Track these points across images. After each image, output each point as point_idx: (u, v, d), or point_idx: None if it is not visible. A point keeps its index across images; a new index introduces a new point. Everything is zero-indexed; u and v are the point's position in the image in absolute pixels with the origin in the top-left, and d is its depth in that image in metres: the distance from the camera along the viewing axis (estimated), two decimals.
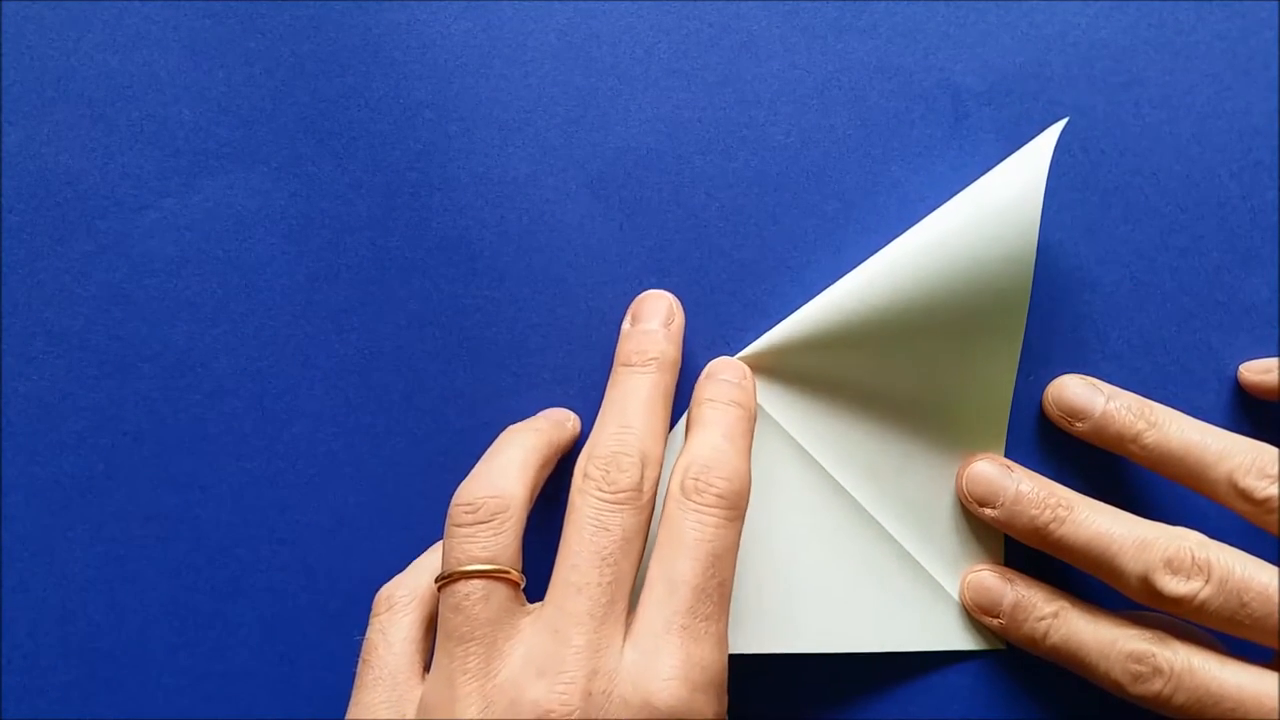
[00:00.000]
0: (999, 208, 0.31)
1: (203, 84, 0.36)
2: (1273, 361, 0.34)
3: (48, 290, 0.36)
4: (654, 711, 0.26)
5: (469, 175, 0.36)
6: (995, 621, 0.34)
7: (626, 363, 0.33)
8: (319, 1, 0.36)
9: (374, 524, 0.36)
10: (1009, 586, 0.34)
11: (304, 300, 0.36)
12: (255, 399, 0.36)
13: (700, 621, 0.27)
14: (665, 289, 0.35)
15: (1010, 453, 0.35)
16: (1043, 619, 0.33)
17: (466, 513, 0.29)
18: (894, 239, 0.33)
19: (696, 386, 0.33)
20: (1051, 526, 0.32)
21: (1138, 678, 0.30)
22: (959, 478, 0.35)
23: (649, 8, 0.36)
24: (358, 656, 0.31)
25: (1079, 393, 0.34)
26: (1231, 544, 0.30)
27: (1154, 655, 0.30)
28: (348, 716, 0.30)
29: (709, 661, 0.27)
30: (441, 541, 0.30)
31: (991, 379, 0.33)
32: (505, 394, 0.36)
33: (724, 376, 0.33)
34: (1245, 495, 0.30)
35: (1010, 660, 0.35)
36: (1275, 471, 0.30)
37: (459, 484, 0.30)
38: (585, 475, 0.29)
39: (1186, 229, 0.35)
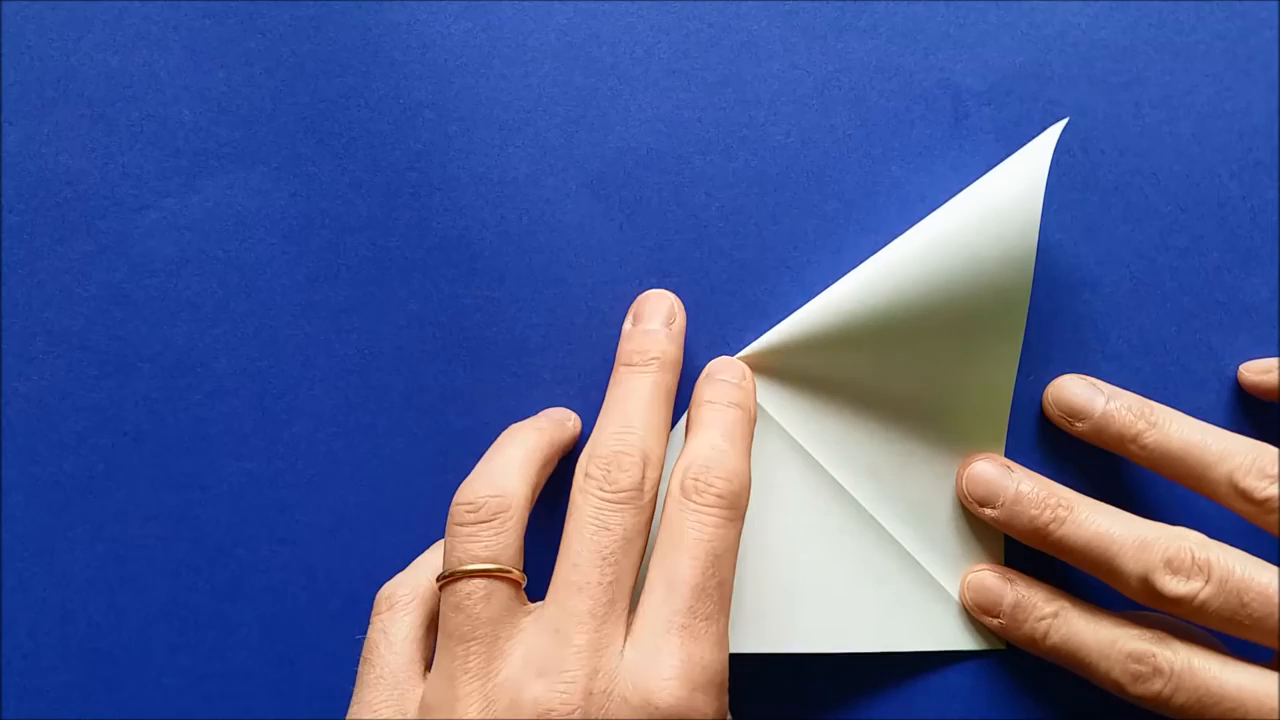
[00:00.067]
0: (999, 208, 0.31)
1: (203, 84, 0.36)
2: (1273, 361, 0.34)
3: (48, 290, 0.36)
4: (654, 711, 0.26)
5: (469, 175, 0.36)
6: (995, 621, 0.34)
7: (628, 363, 0.33)
8: (319, 1, 0.36)
9: (374, 524, 0.36)
10: (1009, 586, 0.34)
11: (304, 300, 0.36)
12: (255, 399, 0.36)
13: (700, 621, 0.28)
14: (666, 289, 0.35)
15: (1010, 453, 0.35)
16: (1043, 619, 0.33)
17: (468, 512, 0.29)
18: (894, 239, 0.33)
19: (696, 387, 0.33)
20: (1051, 526, 0.32)
21: (1138, 678, 0.30)
22: (959, 478, 0.35)
23: (649, 8, 0.36)
24: (359, 656, 0.31)
25: (1079, 393, 0.34)
26: (1231, 544, 0.30)
27: (1154, 655, 0.30)
28: (349, 715, 0.30)
29: (709, 661, 0.27)
30: (443, 540, 0.30)
31: (991, 379, 0.33)
32: (505, 394, 0.36)
33: (724, 377, 0.33)
34: (1245, 495, 0.30)
35: (1010, 660, 0.35)
36: (1275, 471, 0.30)
37: (459, 484, 0.30)
38: (586, 475, 0.29)
39: (1186, 229, 0.35)
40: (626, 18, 0.36)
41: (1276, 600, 0.29)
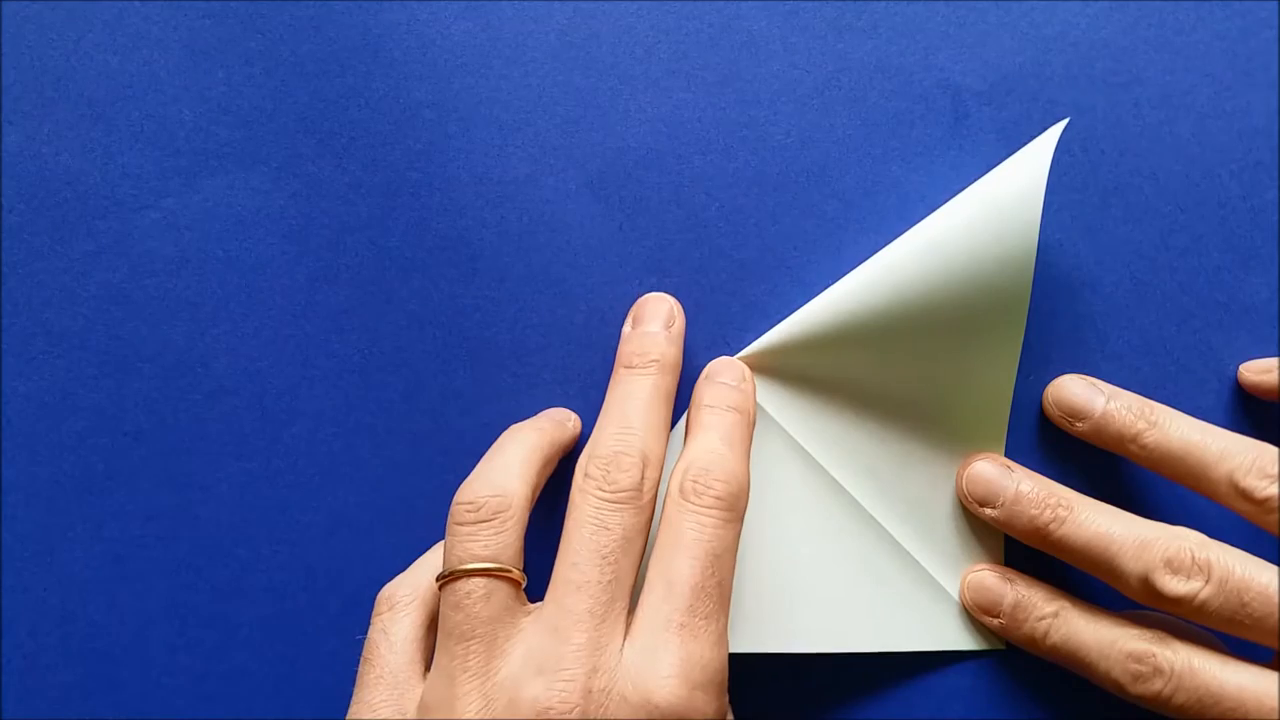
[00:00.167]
0: (999, 208, 0.31)
1: (203, 84, 0.36)
2: (1273, 361, 0.34)
3: (48, 290, 0.36)
4: (654, 709, 0.26)
5: (469, 175, 0.36)
6: (995, 621, 0.34)
7: (628, 364, 0.33)
8: (319, 1, 0.36)
9: (374, 524, 0.36)
10: (1009, 586, 0.34)
11: (304, 300, 0.36)
12: (255, 399, 0.36)
13: (699, 620, 0.28)
14: (665, 289, 0.35)
15: (1010, 453, 0.35)
16: (1043, 619, 0.33)
17: (468, 511, 0.29)
18: (894, 239, 0.33)
19: (696, 388, 0.33)
20: (1051, 526, 0.32)
21: (1138, 677, 0.30)
22: (959, 478, 0.35)
23: (649, 8, 0.36)
24: (359, 656, 0.31)
25: (1079, 393, 0.34)
26: (1231, 544, 0.30)
27: (1154, 655, 0.30)
28: (349, 715, 0.30)
29: (708, 660, 0.27)
30: (443, 540, 0.30)
31: (991, 379, 0.33)
32: (505, 394, 0.36)
33: (723, 379, 0.33)
34: (1246, 495, 0.30)
35: (1010, 660, 0.35)
36: (1275, 471, 0.30)
37: (459, 484, 0.30)
38: (586, 475, 0.30)
39: (1186, 229, 0.35)
40: (626, 18, 0.36)
41: (1276, 600, 0.29)
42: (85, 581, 0.36)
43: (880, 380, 0.34)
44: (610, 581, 0.28)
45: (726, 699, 0.29)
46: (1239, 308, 0.35)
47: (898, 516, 0.35)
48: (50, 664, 0.36)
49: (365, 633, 0.32)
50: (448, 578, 0.29)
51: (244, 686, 0.36)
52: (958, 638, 0.35)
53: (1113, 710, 0.33)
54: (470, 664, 0.28)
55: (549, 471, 0.33)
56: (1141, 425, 0.32)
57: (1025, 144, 0.33)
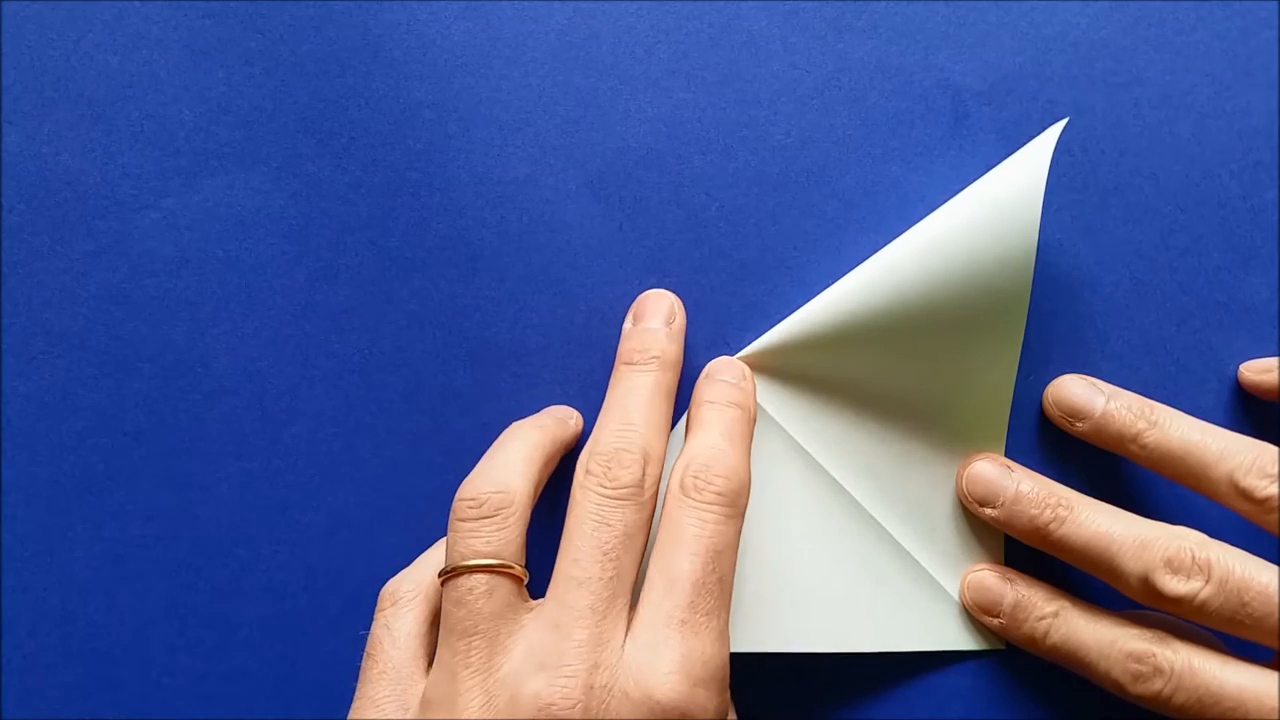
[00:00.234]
0: (999, 208, 0.31)
1: (203, 84, 0.36)
2: (1273, 361, 0.34)
3: (48, 290, 0.36)
4: (655, 705, 0.26)
5: (469, 175, 0.36)
6: (995, 621, 0.34)
7: (628, 361, 0.33)
8: (319, 1, 0.36)
9: (374, 524, 0.36)
10: (1009, 586, 0.34)
11: (304, 300, 0.36)
12: (255, 399, 0.36)
13: (700, 616, 0.28)
14: (665, 289, 0.35)
15: (1010, 453, 0.35)
16: (1043, 619, 0.33)
17: (470, 508, 0.29)
18: (894, 239, 0.33)
19: (696, 387, 0.33)
20: (1051, 526, 0.32)
21: (1138, 677, 0.30)
22: (959, 478, 0.35)
23: (649, 8, 0.36)
24: (361, 654, 0.31)
25: (1079, 393, 0.34)
26: (1231, 544, 0.30)
27: (1154, 655, 0.30)
28: (352, 711, 0.30)
29: (709, 656, 0.27)
30: (446, 536, 0.30)
31: (991, 379, 0.33)
32: (505, 394, 0.36)
33: (723, 377, 0.33)
34: (1246, 494, 0.30)
35: (1010, 660, 0.35)
36: (1276, 471, 0.30)
37: (459, 483, 0.30)
38: (587, 471, 0.30)
39: (1186, 229, 0.35)
40: (626, 18, 0.36)
41: (1277, 600, 0.29)
42: (85, 581, 0.36)
43: (880, 380, 0.34)
44: (611, 578, 0.28)
45: (728, 695, 0.29)
46: (1239, 308, 0.35)
47: (898, 516, 0.35)
48: (50, 664, 0.36)
49: (366, 629, 0.32)
50: (450, 574, 0.29)
51: (244, 686, 0.36)
52: (958, 638, 0.35)
53: (1113, 710, 0.33)
54: (472, 660, 0.28)
55: (551, 468, 0.33)
56: (1141, 425, 0.32)
57: (1025, 144, 0.33)
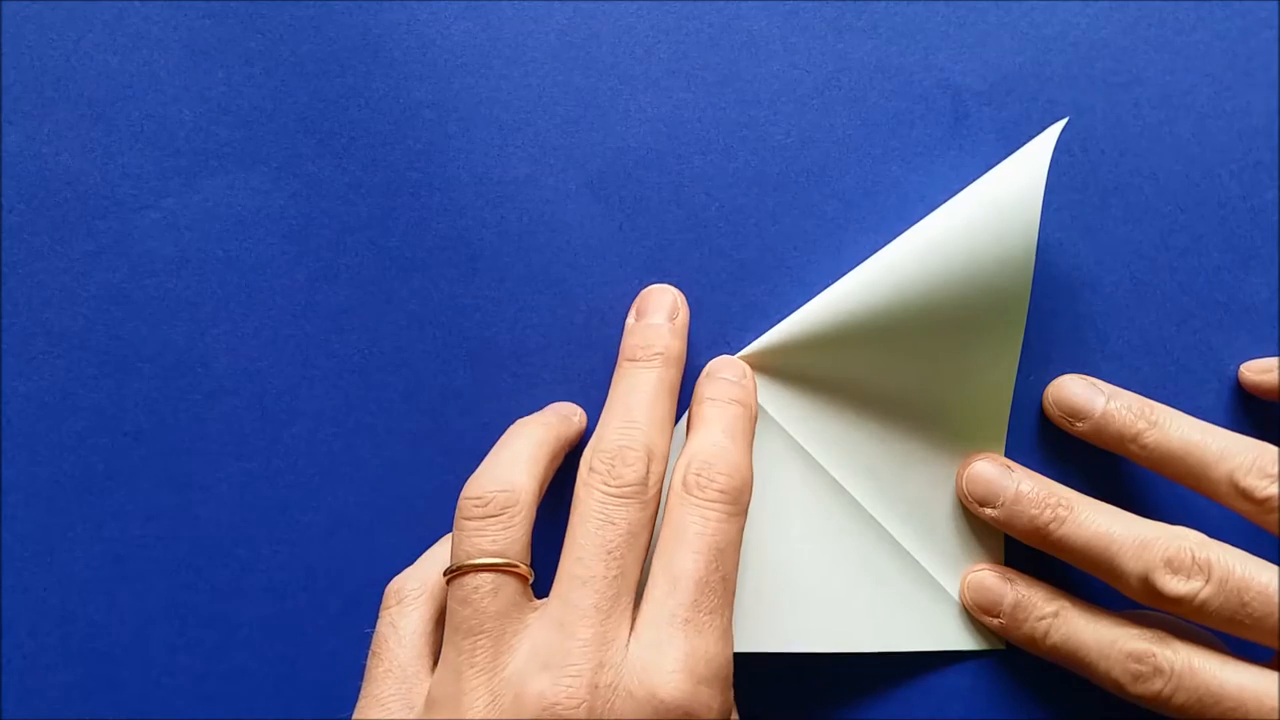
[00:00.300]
0: (999, 208, 0.31)
1: (203, 84, 0.36)
2: (1273, 361, 0.34)
3: (48, 290, 0.36)
4: (659, 704, 0.26)
5: (469, 175, 0.36)
6: (995, 621, 0.34)
7: (631, 358, 0.33)
8: (319, 1, 0.36)
9: (374, 524, 0.36)
10: (1009, 586, 0.34)
11: (304, 300, 0.36)
12: (255, 399, 0.36)
13: (704, 615, 0.28)
14: None
15: (1010, 453, 0.35)
16: (1043, 619, 0.33)
17: (476, 506, 0.29)
18: (894, 239, 0.33)
19: (697, 385, 0.33)
20: (1051, 526, 0.32)
21: (1138, 677, 0.30)
22: (959, 478, 0.35)
23: (649, 8, 0.36)
24: (361, 654, 0.31)
25: (1079, 393, 0.34)
26: (1231, 544, 0.30)
27: (1154, 655, 0.30)
28: (358, 710, 0.30)
29: (713, 654, 0.27)
30: (451, 533, 0.30)
31: (991, 379, 0.33)
32: (505, 394, 0.36)
33: (724, 375, 0.33)
34: (1246, 494, 0.30)
35: (1010, 660, 0.35)
36: (1276, 471, 0.30)
37: (459, 484, 0.30)
38: (590, 469, 0.30)
39: (1186, 229, 0.35)
40: (626, 18, 0.36)
41: (1277, 600, 0.29)
42: (85, 581, 0.36)
43: (880, 380, 0.34)
44: (615, 576, 0.28)
45: (731, 694, 0.29)
46: (1239, 308, 0.35)
47: (898, 516, 0.35)
48: (50, 664, 0.36)
49: (371, 627, 0.32)
50: (455, 572, 0.29)
51: (244, 686, 0.36)
52: (958, 638, 0.35)
53: (1113, 710, 0.33)
54: (477, 659, 0.28)
55: (556, 465, 0.33)
56: (1141, 425, 0.32)
57: (1025, 144, 0.33)
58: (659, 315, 0.34)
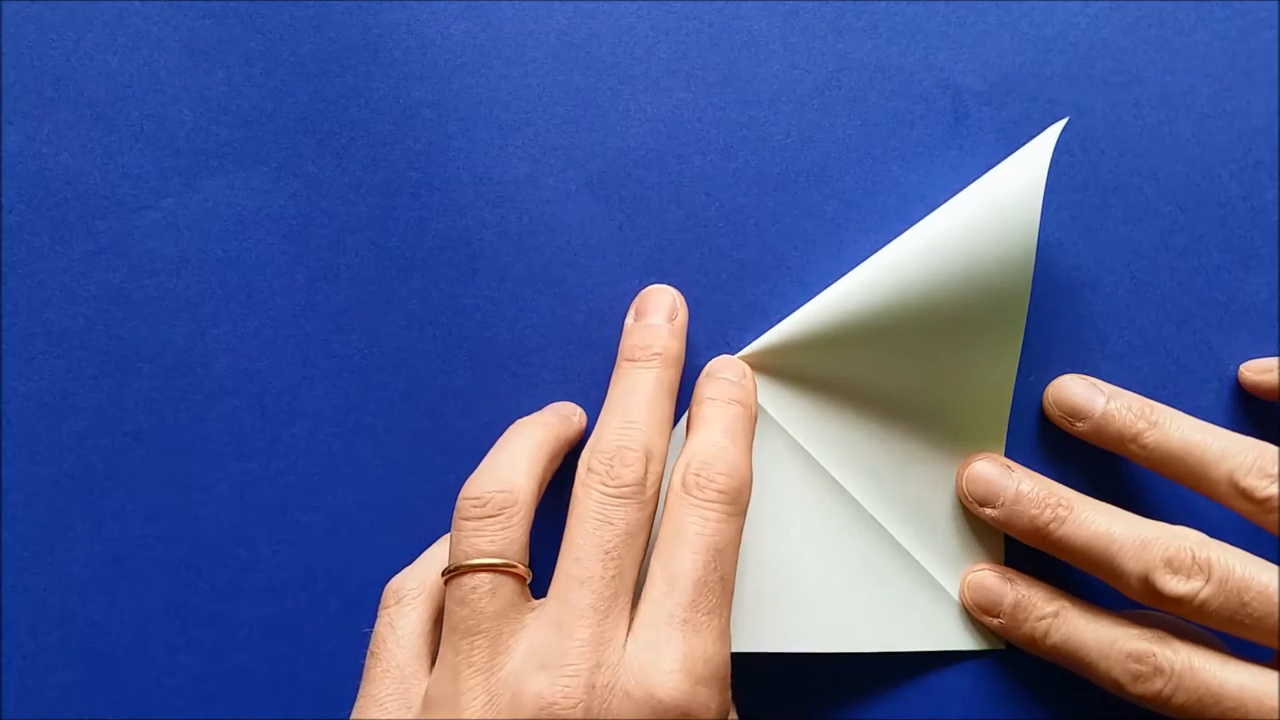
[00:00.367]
0: (999, 208, 0.31)
1: (203, 84, 0.36)
2: (1273, 361, 0.34)
3: (48, 290, 0.36)
4: (657, 704, 0.26)
5: (469, 175, 0.36)
6: (995, 621, 0.34)
7: (630, 358, 0.33)
8: (319, 1, 0.36)
9: (374, 524, 0.36)
10: (1009, 586, 0.34)
11: (304, 300, 0.36)
12: (255, 399, 0.36)
13: (702, 615, 0.28)
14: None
15: (1010, 453, 0.35)
16: (1043, 619, 0.33)
17: (474, 506, 0.29)
18: (894, 239, 0.33)
19: (697, 385, 0.33)
20: (1051, 526, 0.32)
21: (1138, 677, 0.30)
22: (959, 478, 0.35)
23: (649, 8, 0.36)
24: (360, 654, 0.31)
25: (1079, 392, 0.34)
26: (1232, 544, 0.30)
27: (1154, 655, 0.30)
28: (356, 709, 0.30)
29: (711, 654, 0.27)
30: (449, 533, 0.30)
31: (991, 379, 0.33)
32: (505, 394, 0.36)
33: (724, 375, 0.33)
34: (1246, 494, 0.30)
35: (1010, 660, 0.35)
36: (1276, 471, 0.30)
37: (459, 484, 0.30)
38: (589, 469, 0.30)
39: (1186, 229, 0.35)
40: (626, 18, 0.36)
41: (1277, 599, 0.29)
42: (85, 581, 0.36)
43: (880, 380, 0.34)
44: (613, 577, 0.28)
45: (729, 694, 0.29)
46: (1239, 308, 0.35)
47: (898, 516, 0.35)
48: (50, 664, 0.36)
49: (370, 627, 0.32)
50: (453, 573, 0.29)
51: (244, 686, 0.36)
52: (958, 638, 0.35)
53: (1113, 710, 0.33)
54: (475, 659, 0.28)
55: (555, 466, 0.33)
56: (1141, 425, 0.32)
57: (1025, 144, 0.33)
58: (658, 316, 0.34)
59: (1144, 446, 0.32)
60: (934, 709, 0.35)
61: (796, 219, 0.36)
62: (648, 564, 0.29)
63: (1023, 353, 0.33)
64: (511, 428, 0.33)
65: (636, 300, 0.35)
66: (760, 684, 0.35)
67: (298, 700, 0.36)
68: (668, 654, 0.27)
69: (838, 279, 0.34)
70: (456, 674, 0.28)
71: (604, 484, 0.29)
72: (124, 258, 0.36)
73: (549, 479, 0.32)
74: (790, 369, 0.34)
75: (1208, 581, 0.29)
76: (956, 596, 0.35)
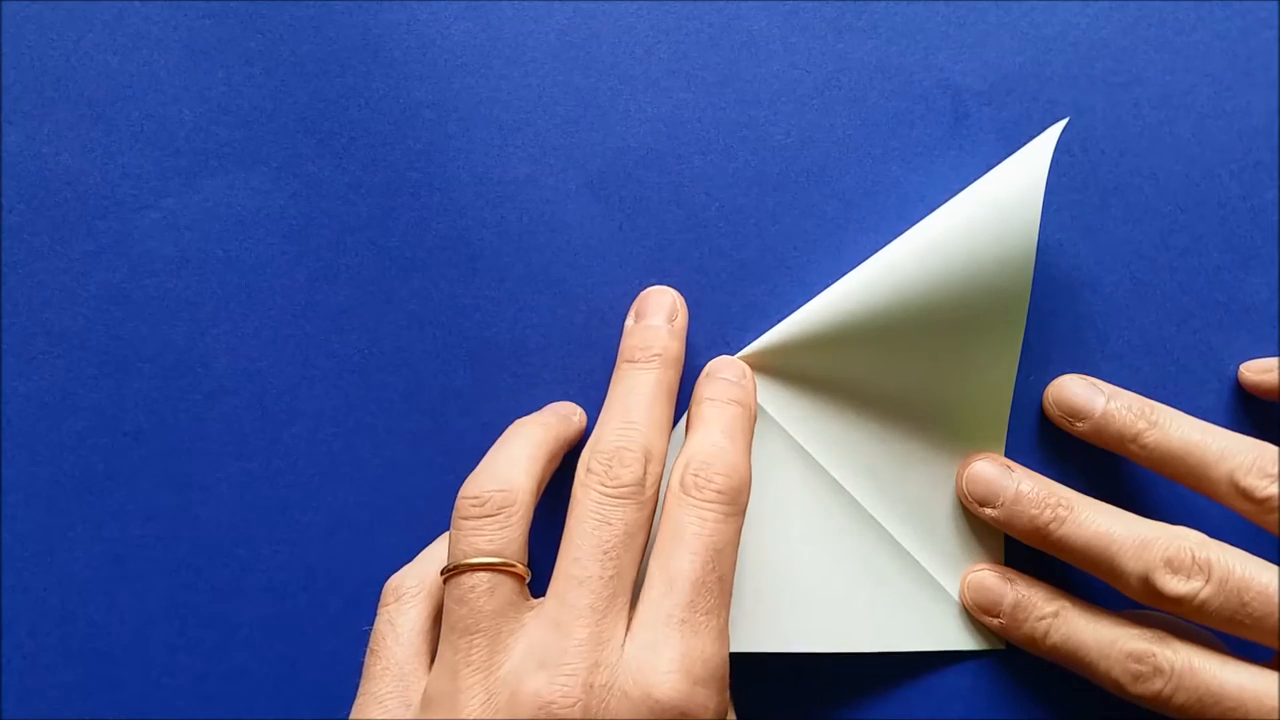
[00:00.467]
0: (999, 208, 0.31)
1: (203, 84, 0.36)
2: (1273, 361, 0.34)
3: (48, 290, 0.36)
4: (655, 704, 0.26)
5: (469, 175, 0.36)
6: (995, 621, 0.34)
7: (630, 359, 0.33)
8: (319, 1, 0.36)
9: (374, 524, 0.36)
10: (1009, 586, 0.34)
11: (304, 300, 0.36)
12: (255, 399, 0.36)
13: (700, 615, 0.28)
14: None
15: (1010, 453, 0.35)
16: (1043, 619, 0.33)
17: (473, 506, 0.29)
18: (894, 239, 0.33)
19: (697, 385, 0.33)
20: (1051, 526, 0.32)
21: (1138, 677, 0.30)
22: (959, 478, 0.35)
23: (649, 8, 0.36)
24: (361, 653, 0.31)
25: (1079, 392, 0.34)
26: (1232, 544, 0.30)
27: (1154, 655, 0.30)
28: (355, 707, 0.30)
29: (709, 655, 0.27)
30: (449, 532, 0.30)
31: (991, 379, 0.33)
32: (505, 394, 0.36)
33: (724, 375, 0.33)
34: (1246, 494, 0.30)
35: (1010, 660, 0.35)
36: (1276, 470, 0.30)
37: (459, 484, 0.30)
38: (588, 470, 0.30)
39: (1186, 229, 0.35)
40: (626, 18, 0.36)
41: (1277, 600, 0.29)
42: (85, 581, 0.36)
43: (880, 380, 0.34)
44: (612, 577, 0.28)
45: (728, 695, 0.29)
46: (1239, 308, 0.35)
47: (898, 516, 0.35)
48: (50, 664, 0.36)
49: (370, 625, 0.32)
50: (452, 572, 0.29)
51: (244, 686, 0.36)
52: (958, 638, 0.35)
53: (1113, 710, 0.33)
54: (473, 658, 0.28)
55: (554, 466, 0.33)
56: (1142, 425, 0.32)
57: (1025, 144, 0.33)
58: (658, 317, 0.34)
59: (1144, 446, 0.32)
60: (934, 709, 0.35)
61: (796, 219, 0.36)
62: (646, 564, 0.29)
63: (1023, 353, 0.33)
64: (511, 427, 0.33)
65: (636, 301, 0.35)
66: (760, 684, 0.35)
67: (298, 700, 0.36)
68: (665, 654, 0.27)
69: (838, 279, 0.34)
70: (455, 672, 0.28)
71: (603, 484, 0.29)
72: (124, 258, 0.36)
73: (548, 479, 0.32)
74: (790, 369, 0.34)
75: (1208, 581, 0.29)
76: (956, 596, 0.35)
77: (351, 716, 0.30)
